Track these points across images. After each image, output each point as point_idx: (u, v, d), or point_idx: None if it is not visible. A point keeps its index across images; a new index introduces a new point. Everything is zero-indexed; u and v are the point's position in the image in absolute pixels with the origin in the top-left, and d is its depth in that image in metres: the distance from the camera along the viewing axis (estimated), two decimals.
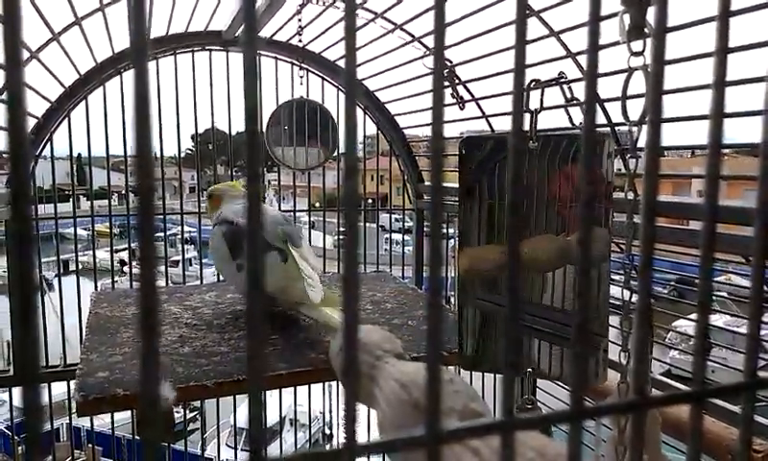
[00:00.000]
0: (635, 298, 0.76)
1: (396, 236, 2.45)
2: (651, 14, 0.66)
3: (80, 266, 1.82)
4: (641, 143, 0.73)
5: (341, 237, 2.13)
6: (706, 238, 0.28)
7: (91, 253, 1.76)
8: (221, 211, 1.34)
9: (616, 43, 0.67)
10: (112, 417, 1.77)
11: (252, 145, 0.22)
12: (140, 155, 0.20)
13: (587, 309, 0.27)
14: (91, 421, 1.83)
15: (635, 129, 0.70)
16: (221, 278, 1.59)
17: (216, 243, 1.30)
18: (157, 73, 1.58)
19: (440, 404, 0.23)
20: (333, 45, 1.65)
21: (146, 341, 0.21)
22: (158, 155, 1.70)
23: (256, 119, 0.21)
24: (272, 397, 1.79)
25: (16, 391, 1.67)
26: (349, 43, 0.22)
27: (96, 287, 1.69)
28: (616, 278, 1.12)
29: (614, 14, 0.67)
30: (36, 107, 1.47)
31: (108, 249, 1.73)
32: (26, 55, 1.31)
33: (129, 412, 1.77)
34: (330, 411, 2.51)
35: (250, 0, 0.20)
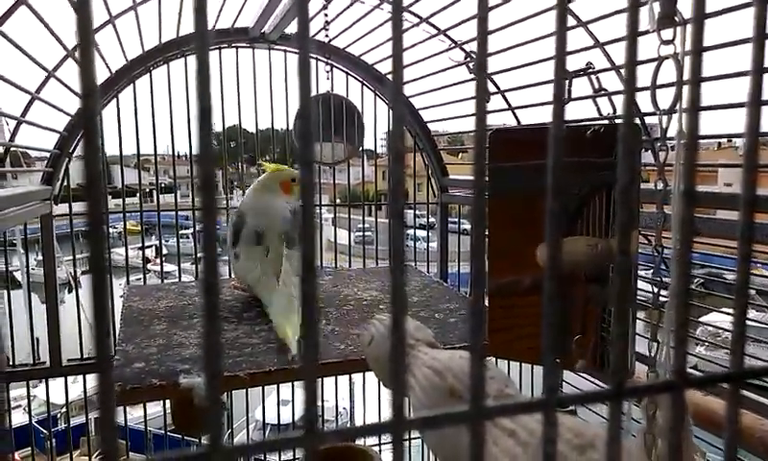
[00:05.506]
0: (663, 290, 0.75)
1: (418, 232, 2.45)
2: (681, 3, 0.66)
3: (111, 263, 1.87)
4: (670, 133, 0.73)
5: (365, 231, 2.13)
6: (744, 227, 0.28)
7: (117, 250, 1.80)
8: (244, 199, 1.44)
9: (646, 32, 0.67)
10: (145, 410, 1.81)
11: (306, 139, 0.23)
12: (202, 150, 0.21)
13: (626, 296, 0.28)
14: (125, 412, 1.88)
15: (664, 118, 0.70)
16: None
17: (226, 228, 1.41)
18: (186, 71, 1.60)
19: (484, 382, 0.24)
20: (359, 40, 1.66)
21: (208, 327, 0.22)
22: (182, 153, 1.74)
23: (310, 116, 0.22)
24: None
25: (52, 383, 1.72)
26: (397, 50, 0.23)
27: (128, 282, 1.73)
28: (642, 272, 1.11)
29: (644, 3, 0.66)
30: (69, 104, 1.51)
31: (134, 246, 1.77)
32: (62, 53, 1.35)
33: (160, 406, 1.82)
34: (352, 403, 2.53)
35: (303, 5, 0.21)
